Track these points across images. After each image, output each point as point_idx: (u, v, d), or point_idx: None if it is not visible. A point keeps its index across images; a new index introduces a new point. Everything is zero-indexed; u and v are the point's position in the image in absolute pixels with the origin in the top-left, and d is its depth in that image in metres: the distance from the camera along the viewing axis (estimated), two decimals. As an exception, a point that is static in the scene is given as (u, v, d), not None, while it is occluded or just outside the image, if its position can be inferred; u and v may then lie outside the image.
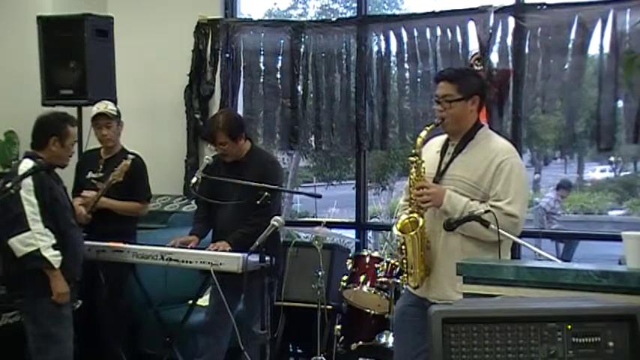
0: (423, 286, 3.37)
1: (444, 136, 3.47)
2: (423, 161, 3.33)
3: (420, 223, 3.28)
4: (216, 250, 4.14)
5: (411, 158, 3.34)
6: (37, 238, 3.77)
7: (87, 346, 4.46)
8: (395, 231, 3.33)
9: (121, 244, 4.34)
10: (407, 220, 3.32)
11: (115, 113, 4.60)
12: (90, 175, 4.61)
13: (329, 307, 4.57)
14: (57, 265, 3.82)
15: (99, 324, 4.51)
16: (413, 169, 3.33)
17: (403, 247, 3.32)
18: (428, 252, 3.34)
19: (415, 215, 3.31)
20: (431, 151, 3.44)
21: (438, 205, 3.27)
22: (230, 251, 4.11)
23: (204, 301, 4.51)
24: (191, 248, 4.23)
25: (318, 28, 5.57)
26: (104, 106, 4.60)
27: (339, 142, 5.51)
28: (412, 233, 3.28)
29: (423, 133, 3.34)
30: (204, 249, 4.23)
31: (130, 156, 4.44)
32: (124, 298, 4.60)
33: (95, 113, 4.56)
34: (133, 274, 4.53)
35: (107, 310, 4.47)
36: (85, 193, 4.51)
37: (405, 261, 3.34)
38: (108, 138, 4.60)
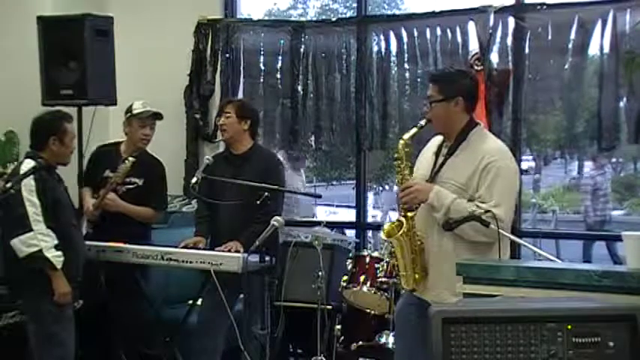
0: (420, 288, 3.37)
1: (441, 137, 3.46)
2: (408, 165, 3.32)
3: (404, 226, 3.27)
4: (229, 251, 4.10)
5: (395, 163, 3.34)
6: (39, 239, 3.77)
7: (87, 346, 4.46)
8: (382, 235, 3.35)
9: (121, 244, 4.32)
10: (392, 224, 3.33)
11: None
12: (107, 173, 4.53)
13: (329, 307, 4.56)
14: (59, 266, 3.83)
15: (99, 324, 4.50)
16: (398, 175, 3.34)
17: (393, 250, 3.34)
18: (422, 254, 3.34)
19: (401, 219, 3.31)
20: (428, 152, 3.44)
21: (425, 200, 3.25)
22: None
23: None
24: (191, 248, 4.23)
25: (318, 28, 5.58)
26: (146, 105, 4.58)
27: (339, 142, 5.52)
28: (398, 235, 3.27)
29: (406, 136, 3.33)
30: (205, 249, 4.22)
31: (131, 158, 4.39)
32: (132, 300, 4.52)
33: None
34: (140, 274, 4.46)
35: (110, 311, 4.45)
36: (102, 192, 4.45)
37: (395, 264, 3.35)
38: (149, 139, 4.59)
